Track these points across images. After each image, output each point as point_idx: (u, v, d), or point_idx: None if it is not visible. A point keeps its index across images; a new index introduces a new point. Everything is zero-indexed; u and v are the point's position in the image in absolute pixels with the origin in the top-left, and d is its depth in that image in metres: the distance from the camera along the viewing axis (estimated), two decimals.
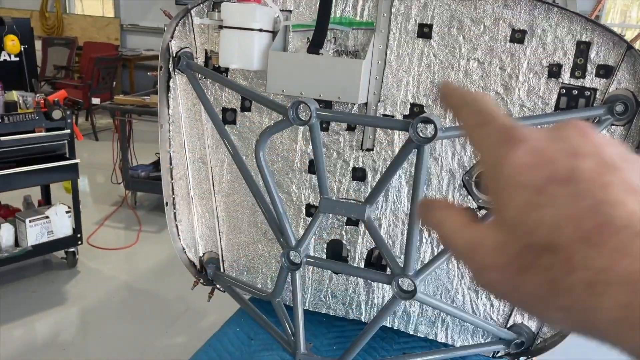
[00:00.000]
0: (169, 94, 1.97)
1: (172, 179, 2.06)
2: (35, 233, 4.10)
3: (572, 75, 1.60)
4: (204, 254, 2.16)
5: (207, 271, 2.11)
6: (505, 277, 0.38)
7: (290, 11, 1.81)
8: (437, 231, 0.44)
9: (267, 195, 1.77)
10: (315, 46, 1.71)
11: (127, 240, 5.04)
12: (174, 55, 1.92)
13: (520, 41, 1.62)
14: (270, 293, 1.85)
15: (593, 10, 2.12)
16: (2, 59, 4.23)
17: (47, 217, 4.16)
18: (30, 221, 4.07)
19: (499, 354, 1.88)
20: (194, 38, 1.91)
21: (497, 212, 0.39)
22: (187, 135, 2.02)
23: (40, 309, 3.87)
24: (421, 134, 1.42)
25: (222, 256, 2.11)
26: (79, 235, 4.33)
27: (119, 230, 5.24)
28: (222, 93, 1.95)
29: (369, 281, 1.94)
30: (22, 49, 4.29)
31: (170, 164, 2.05)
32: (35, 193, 4.56)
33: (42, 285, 4.19)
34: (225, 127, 1.94)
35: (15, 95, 3.94)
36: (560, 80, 1.61)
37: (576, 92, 1.60)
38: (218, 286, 2.15)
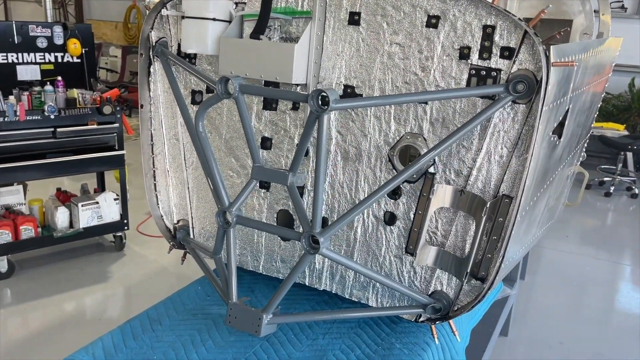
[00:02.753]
0: (150, 78, 2.25)
1: (152, 154, 2.33)
2: (86, 217, 4.56)
3: (480, 57, 1.71)
4: (178, 221, 2.42)
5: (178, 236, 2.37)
6: None
7: (245, 3, 2.03)
8: None
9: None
10: (256, 32, 1.92)
11: None
12: (153, 44, 2.20)
13: (435, 26, 1.75)
14: (212, 251, 2.07)
15: None
16: (65, 60, 4.74)
17: (97, 202, 4.60)
18: (82, 205, 4.53)
19: (421, 319, 1.99)
20: (169, 29, 2.18)
21: None
22: (163, 115, 2.29)
23: (86, 285, 4.29)
24: (318, 105, 1.60)
25: (192, 223, 2.36)
26: (125, 221, 4.75)
27: None
28: (192, 77, 2.20)
29: None
30: (84, 52, 4.78)
31: (151, 140, 2.33)
32: (93, 183, 5.05)
33: (91, 265, 4.64)
34: (194, 107, 2.19)
35: (75, 92, 4.44)
36: (469, 61, 1.73)
37: (484, 72, 1.71)
38: (187, 250, 2.40)
